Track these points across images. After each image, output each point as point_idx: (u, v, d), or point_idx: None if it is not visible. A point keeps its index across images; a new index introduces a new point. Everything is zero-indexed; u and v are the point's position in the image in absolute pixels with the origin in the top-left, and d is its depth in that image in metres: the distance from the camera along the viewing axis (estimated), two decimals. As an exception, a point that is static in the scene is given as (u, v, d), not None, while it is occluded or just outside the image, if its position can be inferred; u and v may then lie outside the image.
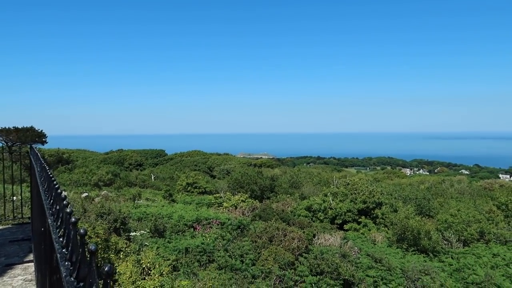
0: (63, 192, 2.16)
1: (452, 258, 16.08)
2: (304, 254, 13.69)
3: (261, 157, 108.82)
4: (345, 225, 21.52)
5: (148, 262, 9.39)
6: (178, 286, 8.71)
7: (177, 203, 23.90)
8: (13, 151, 8.94)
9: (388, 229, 19.94)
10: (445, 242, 18.31)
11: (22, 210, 9.14)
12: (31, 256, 6.29)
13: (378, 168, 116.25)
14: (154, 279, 8.58)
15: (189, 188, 31.70)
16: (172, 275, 9.72)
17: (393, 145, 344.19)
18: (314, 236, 17.18)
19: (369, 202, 22.14)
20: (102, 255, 8.80)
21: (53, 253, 1.88)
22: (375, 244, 18.02)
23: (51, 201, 2.49)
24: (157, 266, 9.39)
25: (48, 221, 2.20)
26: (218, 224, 16.50)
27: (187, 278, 10.19)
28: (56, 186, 2.35)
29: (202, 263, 12.29)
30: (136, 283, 8.18)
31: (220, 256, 12.68)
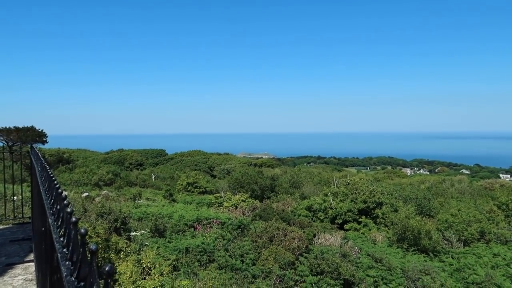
0: (63, 191, 2.16)
1: (452, 258, 16.08)
2: (304, 254, 13.70)
3: (262, 157, 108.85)
4: (345, 225, 21.52)
5: (149, 262, 9.39)
6: (179, 286, 8.72)
7: (178, 202, 23.91)
8: (13, 150, 8.95)
9: (389, 229, 19.94)
10: (446, 242, 18.30)
11: (22, 210, 9.15)
12: (31, 256, 6.30)
13: (379, 167, 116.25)
14: (155, 279, 8.58)
15: (189, 187, 31.70)
16: (172, 275, 9.72)
17: (393, 145, 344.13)
18: (314, 236, 17.18)
19: (370, 202, 22.14)
20: (103, 255, 8.81)
21: (53, 252, 1.88)
22: (375, 244, 18.02)
23: (52, 200, 2.50)
24: (158, 266, 9.39)
25: (49, 220, 2.20)
26: (218, 224, 16.51)
27: (188, 278, 10.20)
28: (57, 185, 2.35)
29: (202, 263, 12.29)
30: (137, 282, 8.18)
31: (220, 256, 12.68)
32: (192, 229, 16.08)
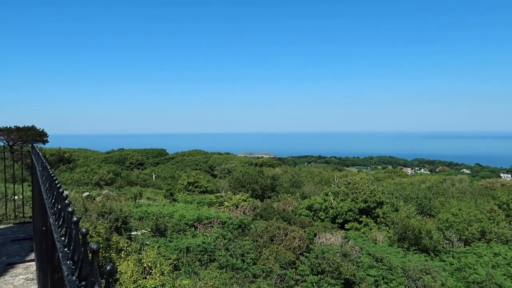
0: (64, 191, 2.16)
1: (453, 257, 16.07)
2: (305, 253, 13.70)
3: (262, 157, 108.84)
4: (346, 225, 21.51)
5: (149, 261, 9.40)
6: (179, 285, 8.72)
7: (178, 202, 23.92)
8: (14, 150, 8.96)
9: (389, 229, 19.93)
10: (446, 241, 18.29)
11: (23, 209, 9.16)
12: (32, 255, 6.31)
13: (379, 167, 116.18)
14: (155, 278, 8.59)
15: (190, 187, 31.71)
16: (173, 274, 9.73)
17: (393, 145, 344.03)
18: (315, 235, 17.18)
19: (370, 202, 22.13)
20: (104, 254, 8.82)
21: (54, 252, 1.88)
22: (376, 244, 18.01)
23: (53, 200, 2.50)
24: (158, 265, 9.40)
25: (50, 220, 2.20)
26: (219, 223, 16.52)
27: (188, 277, 10.20)
28: (58, 185, 2.35)
29: (203, 262, 12.30)
30: (137, 282, 8.19)
31: (221, 255, 12.69)
32: (193, 228, 16.09)
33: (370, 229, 20.55)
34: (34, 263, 5.94)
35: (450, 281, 12.99)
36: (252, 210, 21.85)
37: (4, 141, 31.81)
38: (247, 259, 12.72)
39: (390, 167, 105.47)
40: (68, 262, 1.52)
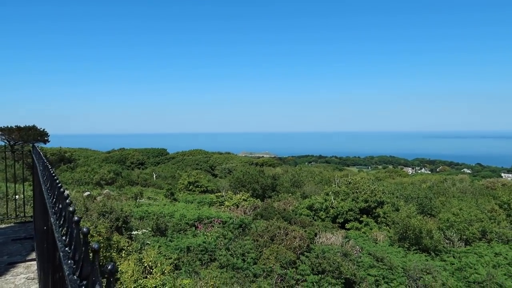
0: (65, 190, 2.17)
1: (453, 257, 16.06)
2: (305, 253, 13.70)
3: (263, 156, 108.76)
4: (346, 224, 21.51)
5: (150, 261, 9.41)
6: (180, 284, 8.73)
7: (179, 202, 23.94)
8: (15, 150, 8.97)
9: (390, 228, 19.93)
10: (447, 241, 18.28)
11: (24, 209, 9.17)
12: (33, 255, 6.32)
13: (380, 167, 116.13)
14: (156, 278, 8.60)
15: (190, 187, 31.72)
16: (173, 273, 9.74)
17: (394, 144, 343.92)
18: (315, 235, 17.18)
19: (371, 201, 22.12)
20: (104, 254, 8.83)
21: (55, 251, 1.89)
22: (376, 243, 18.01)
23: (54, 199, 2.50)
24: (159, 265, 9.41)
25: (51, 219, 2.20)
26: (219, 223, 16.52)
27: (189, 277, 10.21)
28: (59, 184, 2.35)
29: (203, 262, 12.31)
30: (138, 281, 8.20)
31: (221, 255, 12.70)
32: (194, 228, 16.10)
33: (371, 229, 20.55)
34: (35, 262, 5.95)
35: (450, 281, 12.99)
36: (252, 210, 21.86)
37: (5, 141, 31.83)
38: (247, 258, 12.72)
39: (390, 166, 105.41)
40: (69, 261, 1.53)
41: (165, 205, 20.67)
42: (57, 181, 2.51)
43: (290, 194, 27.69)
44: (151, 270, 9.22)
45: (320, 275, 12.10)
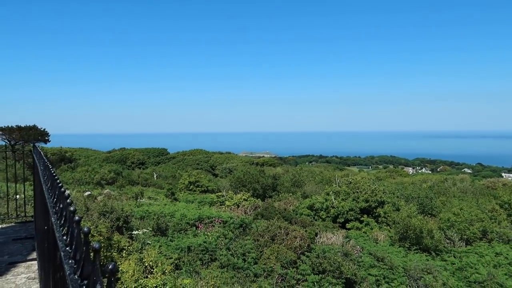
0: (66, 190, 2.17)
1: (454, 257, 16.05)
2: (306, 252, 13.70)
3: (263, 156, 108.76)
4: (347, 224, 21.51)
5: (151, 261, 9.41)
6: (181, 284, 8.73)
7: (179, 201, 23.95)
8: (16, 149, 8.97)
9: (391, 228, 19.92)
10: (448, 241, 18.28)
11: (25, 209, 9.18)
12: (34, 254, 6.32)
13: (381, 167, 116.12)
14: (157, 278, 8.60)
15: (191, 186, 31.73)
16: (174, 273, 9.74)
17: (394, 144, 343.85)
18: (316, 235, 17.18)
19: (372, 201, 22.12)
20: (105, 254, 8.84)
21: (56, 251, 1.89)
22: (377, 243, 18.01)
23: (55, 199, 2.50)
24: (160, 265, 9.41)
25: (52, 219, 2.20)
26: (220, 223, 16.52)
27: (189, 277, 10.21)
28: (60, 184, 2.35)
29: (204, 262, 12.31)
30: (139, 281, 8.20)
31: (222, 254, 12.70)
32: (194, 228, 16.10)
33: (371, 229, 20.54)
34: (36, 262, 5.95)
35: (451, 281, 12.98)
36: (253, 210, 21.86)
37: (6, 141, 31.86)
38: (248, 258, 12.72)
39: (391, 166, 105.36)
40: (70, 261, 1.53)
41: (165, 205, 20.67)
42: (58, 180, 2.51)
43: (291, 194, 27.70)
44: (151, 270, 9.23)
45: (320, 275, 12.10)
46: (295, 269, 12.56)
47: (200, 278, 10.22)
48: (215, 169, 58.19)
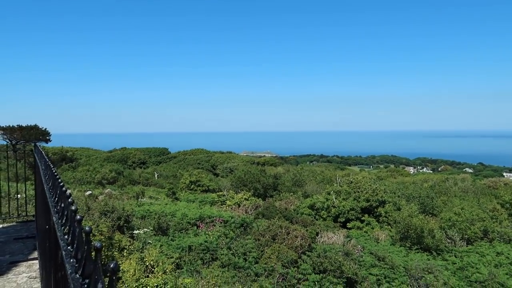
0: (67, 190, 2.17)
1: (455, 256, 16.04)
2: (307, 252, 13.70)
3: (264, 156, 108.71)
4: (348, 224, 21.50)
5: (152, 260, 9.42)
6: (182, 284, 8.74)
7: (180, 201, 23.96)
8: (17, 149, 8.99)
9: (391, 228, 19.91)
10: (449, 240, 18.26)
11: (26, 208, 9.20)
12: (35, 254, 6.33)
13: (382, 166, 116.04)
14: (158, 277, 8.61)
15: (192, 186, 31.76)
16: (175, 273, 9.75)
17: (395, 143, 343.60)
18: (317, 234, 17.18)
19: (372, 201, 22.11)
20: (106, 253, 8.84)
21: (58, 250, 1.89)
22: (378, 243, 18.00)
23: (56, 199, 2.51)
24: (161, 264, 9.42)
25: (53, 218, 2.21)
26: (221, 222, 16.53)
27: (191, 276, 10.22)
28: (61, 184, 2.36)
29: (205, 261, 12.31)
30: (140, 280, 8.21)
31: (223, 254, 12.70)
32: (195, 227, 16.11)
33: (372, 228, 20.53)
34: (37, 261, 5.96)
35: (452, 280, 12.97)
36: (254, 209, 21.87)
37: (7, 140, 31.91)
38: (249, 258, 12.73)
39: (392, 166, 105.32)
40: (72, 260, 1.53)
41: (166, 204, 20.69)
42: (59, 180, 2.52)
43: (292, 194, 27.71)
44: (152, 269, 9.24)
45: (321, 274, 12.10)
46: (296, 268, 12.56)
47: (201, 277, 10.23)
48: (216, 168, 58.22)
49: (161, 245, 12.45)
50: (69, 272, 1.43)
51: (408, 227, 17.36)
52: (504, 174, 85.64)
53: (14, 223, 8.56)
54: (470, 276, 13.36)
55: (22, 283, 5.29)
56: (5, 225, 8.40)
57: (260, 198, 25.58)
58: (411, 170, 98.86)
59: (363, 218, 21.45)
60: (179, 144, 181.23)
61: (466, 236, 18.29)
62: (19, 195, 10.94)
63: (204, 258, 12.43)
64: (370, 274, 13.14)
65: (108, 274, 1.22)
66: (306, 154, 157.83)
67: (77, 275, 1.39)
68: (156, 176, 42.07)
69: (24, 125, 32.80)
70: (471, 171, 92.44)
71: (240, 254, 12.87)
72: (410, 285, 12.69)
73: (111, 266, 1.20)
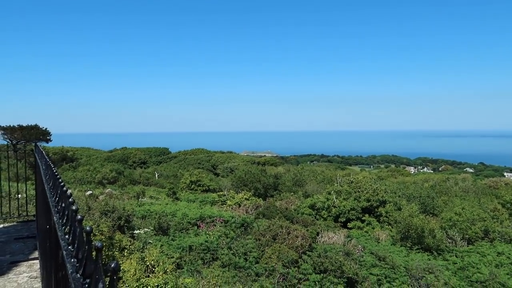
0: (68, 189, 2.17)
1: (456, 256, 16.03)
2: (307, 252, 13.69)
3: (265, 155, 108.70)
4: (348, 223, 21.50)
5: (152, 260, 9.42)
6: (182, 283, 8.74)
7: (181, 201, 23.96)
8: (18, 149, 8.99)
9: (392, 228, 19.90)
10: (449, 240, 18.25)
11: (27, 208, 9.20)
12: (36, 254, 6.33)
13: (382, 166, 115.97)
14: (158, 277, 8.60)
15: (192, 186, 31.76)
16: (176, 272, 9.75)
17: (395, 143, 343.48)
18: (317, 234, 17.17)
19: (373, 200, 22.09)
20: (107, 253, 8.84)
21: (58, 250, 1.88)
22: (379, 243, 17.99)
23: (56, 198, 2.50)
24: (161, 264, 9.42)
25: (54, 218, 2.20)
26: (221, 222, 16.53)
27: (191, 276, 10.22)
28: (62, 183, 2.35)
29: (205, 261, 12.31)
30: (140, 280, 8.21)
31: (223, 254, 12.70)
32: (196, 227, 16.11)
33: (373, 228, 20.52)
34: (37, 261, 5.96)
35: (453, 280, 12.96)
36: (254, 209, 21.86)
37: (8, 140, 31.93)
38: (249, 257, 12.73)
39: (393, 166, 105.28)
40: (72, 260, 1.52)
41: (167, 204, 20.69)
42: (60, 180, 2.51)
43: (292, 193, 27.70)
44: (153, 269, 9.23)
45: (322, 274, 12.09)
46: (296, 268, 12.56)
47: (201, 277, 10.23)
48: (217, 168, 58.23)
49: (161, 245, 12.45)
50: (70, 272, 1.42)
51: (408, 227, 17.35)
52: (505, 174, 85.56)
53: (14, 223, 8.56)
54: (471, 276, 13.35)
55: (23, 283, 5.29)
56: (6, 225, 8.41)
57: (260, 198, 25.57)
58: (412, 170, 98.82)
59: (363, 218, 21.44)
60: (180, 144, 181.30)
61: (467, 236, 18.27)
62: (19, 195, 10.94)
63: (204, 258, 12.43)
64: (370, 274, 13.13)
65: (109, 274, 1.22)
66: (307, 154, 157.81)
67: (78, 275, 1.39)
68: (156, 176, 42.08)
69: (25, 125, 32.83)
70: (472, 171, 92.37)
71: (240, 254, 12.87)
72: (411, 285, 12.68)
73: (112, 266, 1.19)
